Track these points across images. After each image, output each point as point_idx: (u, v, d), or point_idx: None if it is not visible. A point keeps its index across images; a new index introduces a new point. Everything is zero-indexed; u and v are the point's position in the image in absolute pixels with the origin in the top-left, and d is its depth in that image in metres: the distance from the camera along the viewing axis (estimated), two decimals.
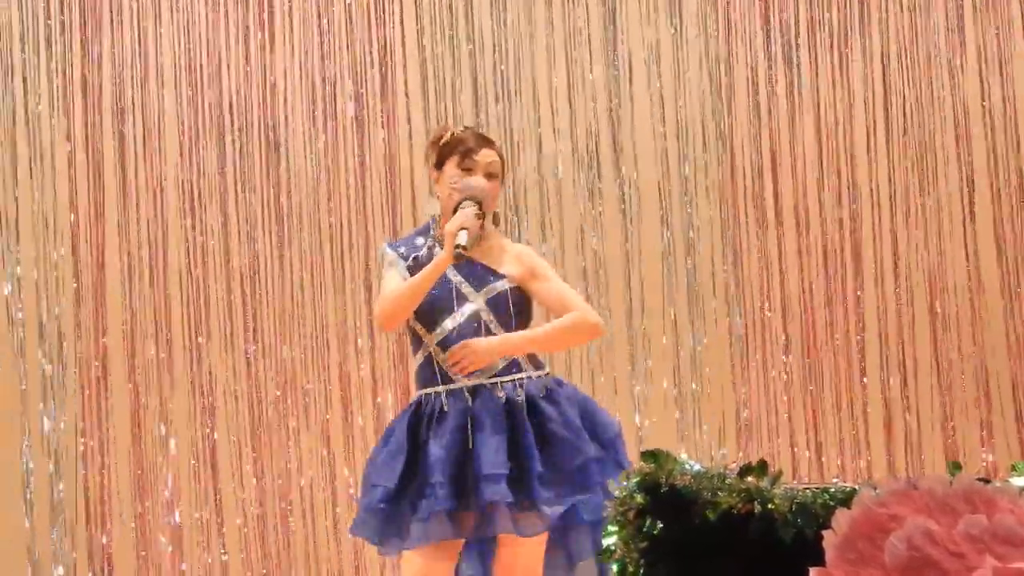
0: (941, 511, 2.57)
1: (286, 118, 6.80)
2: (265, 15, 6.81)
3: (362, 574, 6.62)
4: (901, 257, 7.05)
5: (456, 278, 4.57)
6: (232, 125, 6.78)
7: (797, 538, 3.46)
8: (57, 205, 6.68)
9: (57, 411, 6.58)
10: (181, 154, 6.72)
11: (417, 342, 4.61)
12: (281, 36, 6.81)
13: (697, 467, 3.66)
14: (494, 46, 6.92)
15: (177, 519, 6.58)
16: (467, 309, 4.55)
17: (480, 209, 4.55)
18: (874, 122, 7.09)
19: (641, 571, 3.50)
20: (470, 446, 4.45)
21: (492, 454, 4.40)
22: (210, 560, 6.58)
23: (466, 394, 4.50)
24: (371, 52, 6.87)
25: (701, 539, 3.52)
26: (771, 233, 6.99)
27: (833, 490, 3.55)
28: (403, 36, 6.89)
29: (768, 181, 7.00)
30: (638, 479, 3.58)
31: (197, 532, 6.61)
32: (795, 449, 6.90)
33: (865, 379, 7.00)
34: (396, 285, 4.55)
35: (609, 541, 3.56)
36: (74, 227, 6.67)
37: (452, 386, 4.52)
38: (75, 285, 6.66)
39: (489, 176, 4.62)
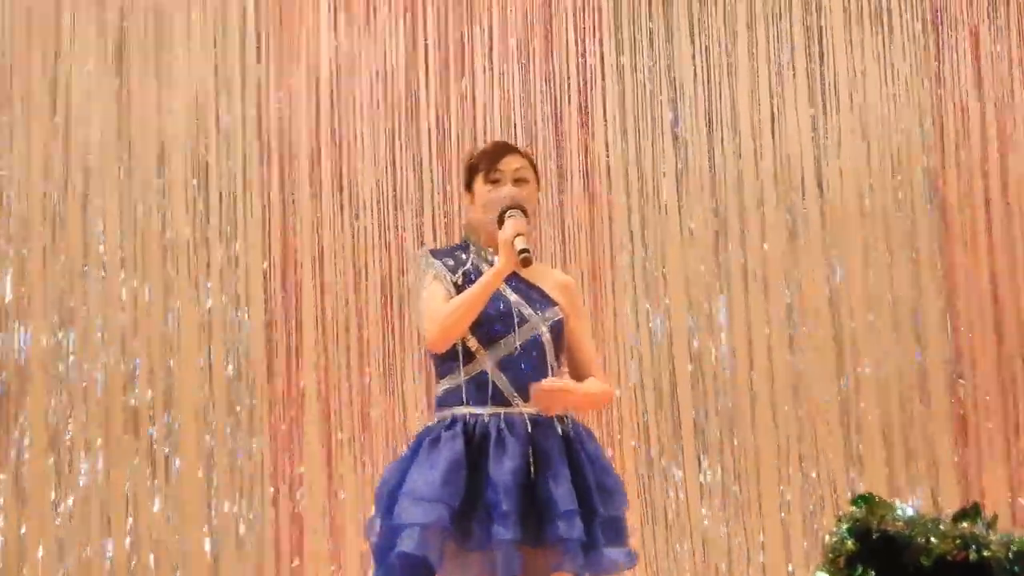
0: None
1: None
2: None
3: None
4: None
5: (512, 297, 4.37)
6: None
7: None
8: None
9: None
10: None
11: (467, 358, 4.33)
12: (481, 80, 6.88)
13: (910, 512, 3.61)
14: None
15: None
16: (527, 331, 4.35)
17: (525, 215, 4.34)
18: None
19: None
20: (532, 477, 4.24)
21: (566, 490, 4.21)
22: None
23: (527, 421, 4.30)
24: (569, 82, 6.91)
25: None
26: None
27: None
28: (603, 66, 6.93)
29: None
30: (849, 524, 3.53)
31: None
32: None
33: None
34: (442, 300, 4.33)
35: None
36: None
37: (509, 410, 4.31)
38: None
39: (518, 182, 4.42)
